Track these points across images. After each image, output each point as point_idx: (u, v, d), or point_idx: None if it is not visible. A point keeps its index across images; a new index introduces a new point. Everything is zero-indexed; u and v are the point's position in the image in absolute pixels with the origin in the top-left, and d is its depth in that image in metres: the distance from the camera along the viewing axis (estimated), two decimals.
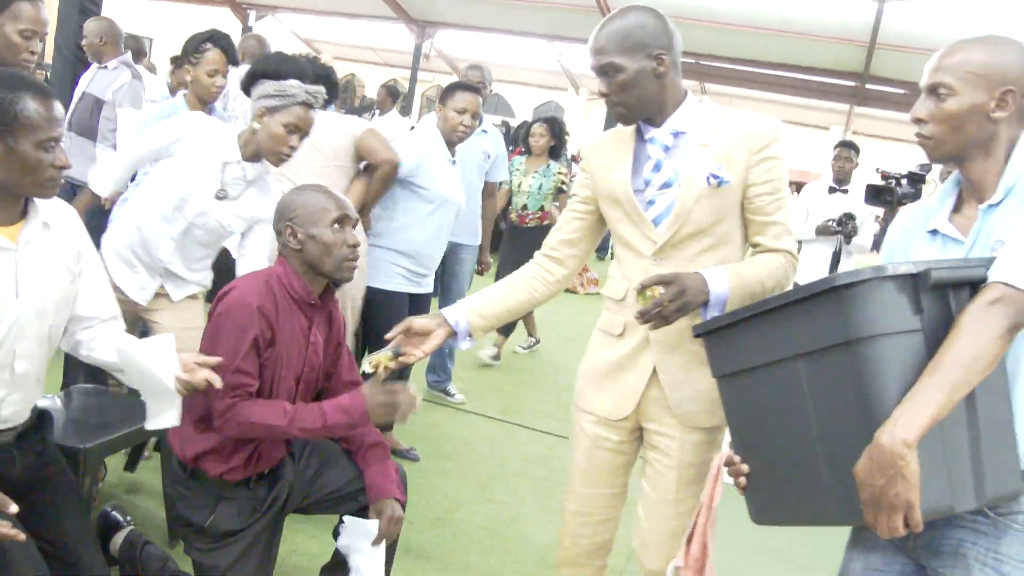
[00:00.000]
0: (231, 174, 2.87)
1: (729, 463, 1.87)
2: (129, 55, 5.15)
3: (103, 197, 3.74)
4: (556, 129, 6.39)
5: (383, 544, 2.44)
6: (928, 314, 1.55)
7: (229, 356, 2.24)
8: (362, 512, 2.50)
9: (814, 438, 1.64)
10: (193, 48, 3.85)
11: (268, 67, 2.76)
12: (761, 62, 15.24)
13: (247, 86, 2.84)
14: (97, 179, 3.18)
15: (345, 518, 2.48)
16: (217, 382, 2.13)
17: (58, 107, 1.98)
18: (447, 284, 5.06)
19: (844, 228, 5.56)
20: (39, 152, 1.92)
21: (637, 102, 2.12)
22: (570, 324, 8.11)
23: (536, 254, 2.42)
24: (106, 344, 2.25)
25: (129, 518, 2.81)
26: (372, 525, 2.42)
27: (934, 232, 1.81)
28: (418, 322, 2.26)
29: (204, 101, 3.91)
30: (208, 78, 3.83)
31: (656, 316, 1.97)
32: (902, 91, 15.16)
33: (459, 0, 16.54)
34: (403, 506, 2.53)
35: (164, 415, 2.20)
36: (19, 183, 1.95)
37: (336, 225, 2.39)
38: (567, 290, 10.54)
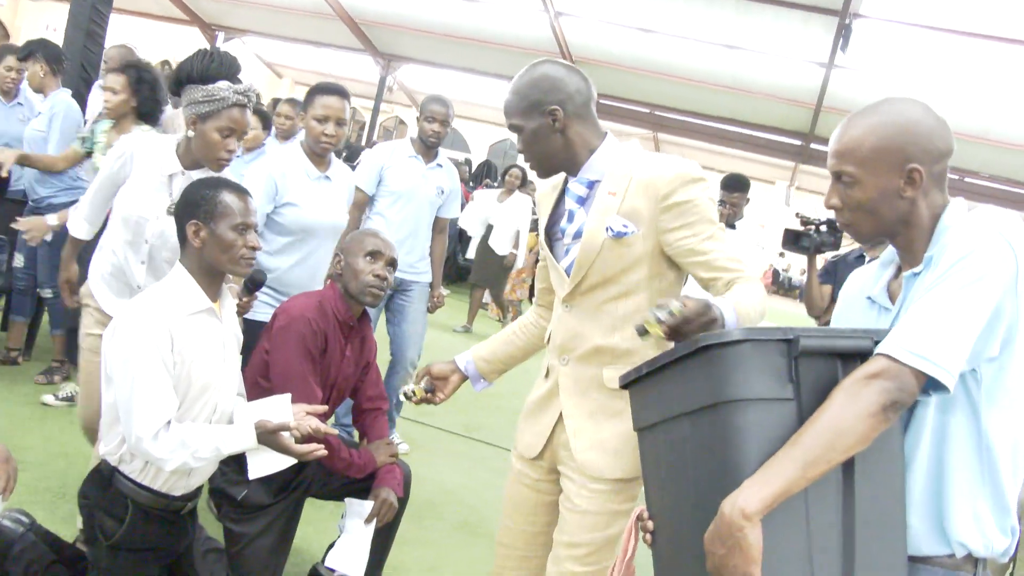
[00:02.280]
0: (179, 186, 2.75)
1: (640, 518, 1.83)
2: None
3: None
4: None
5: (372, 525, 2.81)
6: (808, 384, 1.46)
7: (296, 366, 2.70)
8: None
9: (692, 502, 1.58)
10: None
11: (193, 70, 2.67)
12: (713, 116, 15.92)
13: (175, 91, 2.78)
14: (74, 222, 3.07)
15: (346, 499, 2.87)
16: (326, 429, 2.46)
17: (251, 200, 2.44)
18: (396, 323, 4.84)
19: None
20: (235, 234, 2.36)
21: (543, 157, 2.17)
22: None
23: (533, 305, 2.55)
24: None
25: None
26: (367, 505, 2.81)
27: (871, 299, 1.77)
28: (436, 368, 2.47)
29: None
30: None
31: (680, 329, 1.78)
32: None
33: (425, 37, 16.97)
34: (402, 502, 2.93)
35: (272, 460, 2.47)
36: (219, 261, 2.37)
37: (369, 257, 2.85)
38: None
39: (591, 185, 2.17)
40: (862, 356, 1.49)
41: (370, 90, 19.50)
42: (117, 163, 2.83)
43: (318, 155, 3.56)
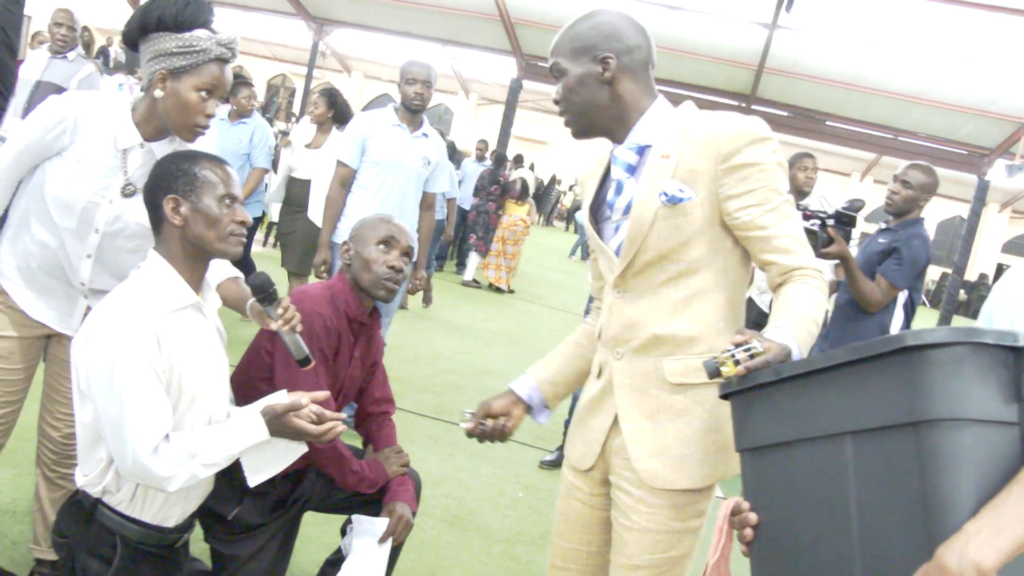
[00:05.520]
0: (135, 162, 2.29)
1: (737, 511, 1.55)
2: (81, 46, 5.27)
3: None
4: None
5: (387, 545, 2.50)
6: None
7: (310, 372, 2.34)
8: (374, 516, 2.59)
9: (852, 536, 1.30)
10: None
11: (165, 15, 2.15)
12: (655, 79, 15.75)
13: (134, 42, 2.23)
14: None
15: (353, 516, 2.55)
16: (332, 415, 2.14)
17: (232, 172, 2.10)
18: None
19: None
20: (220, 207, 2.02)
21: (582, 110, 1.92)
22: (499, 328, 8.29)
23: (591, 307, 2.26)
24: None
25: None
26: (381, 523, 2.50)
27: None
28: (496, 405, 2.13)
29: None
30: None
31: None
32: (785, 113, 16.02)
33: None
34: (413, 515, 2.61)
35: (272, 459, 2.15)
36: (205, 238, 2.02)
37: (382, 245, 2.55)
38: (496, 289, 10.91)
39: (641, 151, 1.90)
40: None
41: (301, 56, 18.95)
42: (51, 132, 2.22)
43: None
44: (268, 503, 2.44)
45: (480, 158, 12.07)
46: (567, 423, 4.95)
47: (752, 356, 1.53)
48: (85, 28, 9.62)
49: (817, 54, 14.15)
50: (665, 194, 1.81)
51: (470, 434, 2.12)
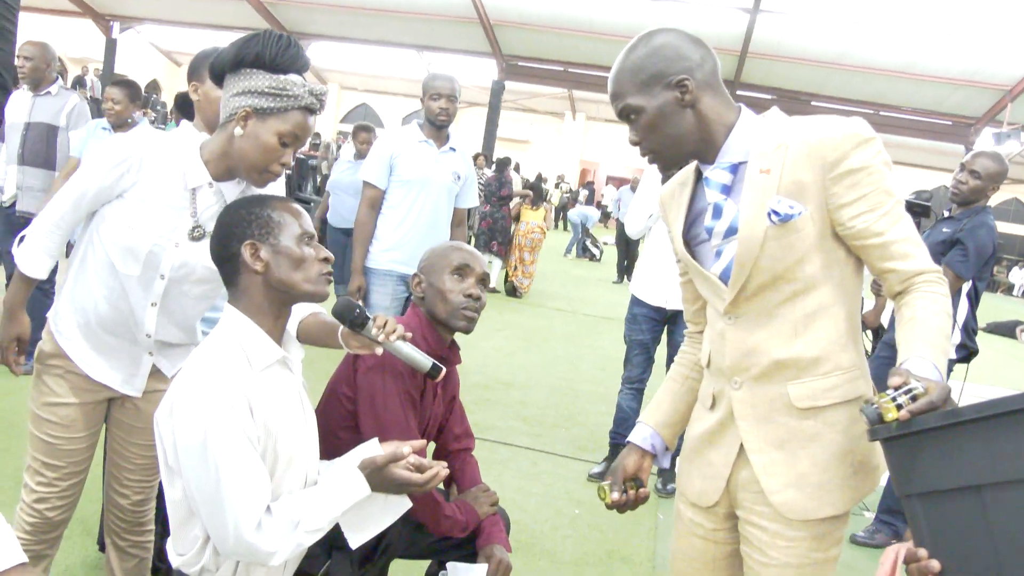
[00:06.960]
0: (204, 202, 2.17)
1: (911, 559, 1.44)
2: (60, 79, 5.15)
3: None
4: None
5: None
6: None
7: (397, 414, 2.25)
8: (464, 560, 2.47)
9: None
10: None
11: (266, 53, 2.04)
12: None
13: (220, 74, 2.11)
14: (27, 256, 2.20)
15: (448, 564, 2.43)
16: (430, 464, 2.00)
17: (301, 209, 1.96)
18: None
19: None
20: (301, 246, 1.88)
21: (671, 143, 1.78)
22: (514, 336, 8.18)
23: (685, 335, 2.17)
24: None
25: None
26: (479, 570, 2.37)
27: None
28: (630, 465, 2.03)
29: None
30: None
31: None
32: (769, 96, 16.02)
33: (333, 11, 16.34)
34: None
35: (373, 517, 2.01)
36: (291, 281, 1.87)
37: (456, 275, 2.41)
38: (514, 295, 10.91)
39: (735, 169, 1.77)
40: None
41: None
42: (114, 172, 2.10)
43: None
44: (357, 556, 2.31)
45: None
46: (612, 433, 4.83)
47: (913, 398, 1.44)
48: (59, 59, 9.44)
49: (800, 36, 14.16)
50: (775, 212, 1.70)
51: (613, 505, 2.00)
